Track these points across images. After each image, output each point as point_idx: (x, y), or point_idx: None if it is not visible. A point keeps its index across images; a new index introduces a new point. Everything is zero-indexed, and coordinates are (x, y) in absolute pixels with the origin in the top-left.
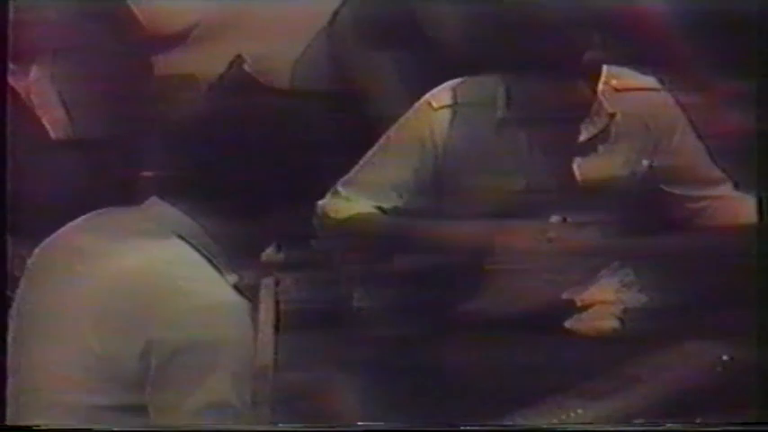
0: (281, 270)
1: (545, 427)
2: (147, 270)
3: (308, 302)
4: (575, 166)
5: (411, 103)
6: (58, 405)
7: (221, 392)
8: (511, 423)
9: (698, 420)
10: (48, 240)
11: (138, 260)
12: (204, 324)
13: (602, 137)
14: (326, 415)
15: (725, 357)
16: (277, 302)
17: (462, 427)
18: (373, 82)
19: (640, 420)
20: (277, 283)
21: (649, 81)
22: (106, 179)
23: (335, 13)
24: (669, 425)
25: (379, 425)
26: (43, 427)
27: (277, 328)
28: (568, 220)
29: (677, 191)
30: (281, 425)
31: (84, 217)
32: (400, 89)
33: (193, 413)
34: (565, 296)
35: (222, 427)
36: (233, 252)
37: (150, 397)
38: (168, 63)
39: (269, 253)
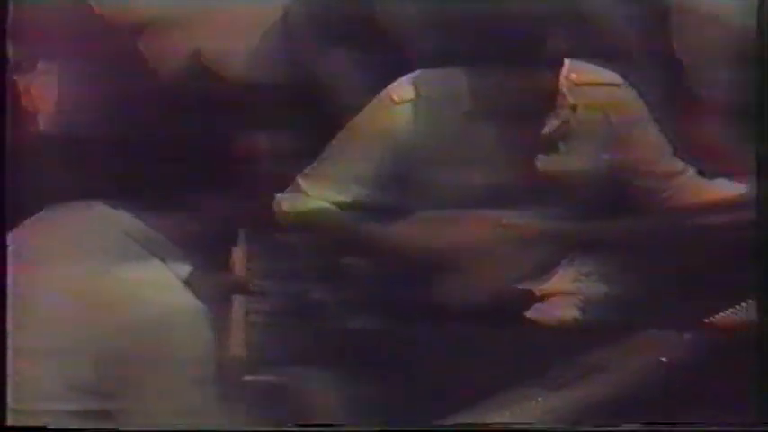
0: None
1: (544, 427)
2: (95, 273)
3: (269, 296)
4: (536, 159)
5: (367, 98)
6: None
7: (187, 399)
8: (509, 422)
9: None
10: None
11: (87, 263)
12: (159, 330)
13: (563, 130)
14: (296, 408)
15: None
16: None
17: (461, 427)
18: (328, 76)
19: (639, 422)
20: (245, 287)
21: (611, 75)
22: (69, 176)
23: (289, 8)
24: (669, 425)
25: (379, 424)
26: (43, 428)
27: (246, 330)
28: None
29: (638, 183)
30: (283, 426)
31: (35, 216)
32: (356, 83)
33: (161, 418)
34: (524, 286)
35: (223, 427)
36: (188, 248)
37: (112, 404)
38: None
39: (238, 253)
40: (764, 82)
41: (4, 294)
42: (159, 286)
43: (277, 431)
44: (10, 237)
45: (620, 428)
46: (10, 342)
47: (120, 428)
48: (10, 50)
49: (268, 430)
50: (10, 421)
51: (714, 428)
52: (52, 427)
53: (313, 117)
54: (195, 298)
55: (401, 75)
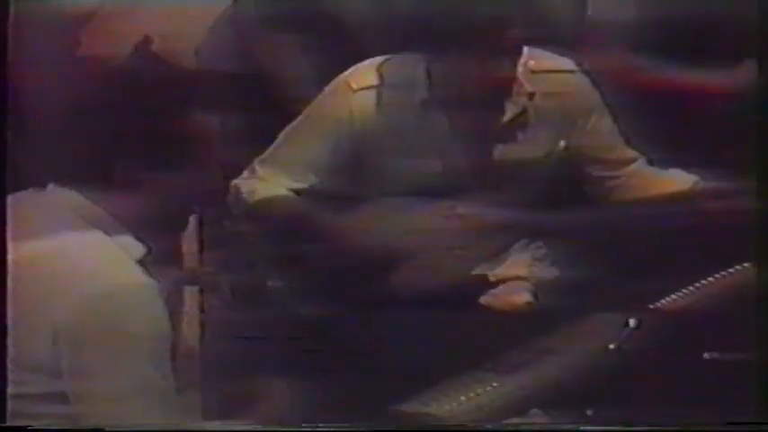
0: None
1: (542, 428)
2: (51, 255)
3: (224, 284)
4: (492, 147)
5: (318, 85)
6: None
7: (144, 376)
8: (507, 422)
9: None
10: None
11: (42, 246)
12: (112, 307)
13: (520, 118)
14: (250, 395)
15: (611, 346)
16: (201, 288)
17: (461, 427)
18: (278, 63)
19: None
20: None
21: (566, 62)
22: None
23: None
24: (667, 425)
25: (377, 425)
26: (43, 428)
27: (202, 310)
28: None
29: (592, 170)
30: (280, 425)
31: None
32: (307, 71)
33: (118, 399)
34: (477, 272)
35: (225, 427)
36: (142, 232)
37: (68, 385)
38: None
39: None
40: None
41: (4, 294)
42: (112, 264)
43: (277, 431)
44: None
45: (620, 428)
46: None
47: (119, 428)
48: None
49: (268, 430)
50: None
51: (714, 428)
52: (52, 428)
53: (264, 104)
54: (149, 277)
55: (354, 62)
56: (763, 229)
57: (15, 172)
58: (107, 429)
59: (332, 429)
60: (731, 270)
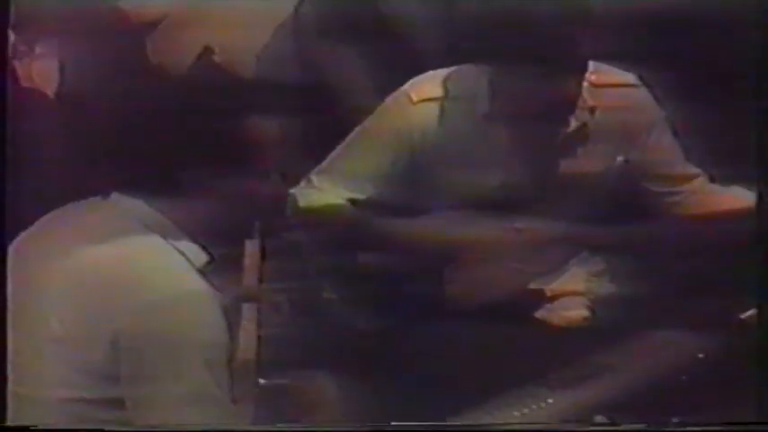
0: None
1: (539, 428)
2: (114, 262)
3: (280, 293)
4: (552, 161)
5: (379, 95)
6: (38, 401)
7: (201, 383)
8: (504, 422)
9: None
10: (23, 234)
11: (106, 253)
12: (171, 314)
13: (581, 132)
14: (305, 406)
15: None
16: (259, 299)
17: (459, 426)
18: (339, 73)
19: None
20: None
21: (628, 77)
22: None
23: (298, 5)
24: (666, 425)
25: (377, 425)
26: (43, 428)
27: (260, 325)
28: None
29: (651, 186)
30: (279, 425)
31: (52, 212)
32: (367, 80)
33: (174, 405)
34: (534, 286)
35: (224, 426)
36: (204, 242)
37: (126, 390)
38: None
39: (252, 252)
40: None
41: (4, 294)
42: (173, 271)
43: (277, 431)
44: (21, 235)
45: (619, 429)
46: (10, 342)
47: (121, 428)
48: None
49: (268, 430)
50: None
51: (714, 429)
52: (52, 428)
53: (324, 114)
54: (209, 285)
55: (415, 73)
56: None
57: (76, 181)
58: (108, 429)
59: (332, 429)
60: None
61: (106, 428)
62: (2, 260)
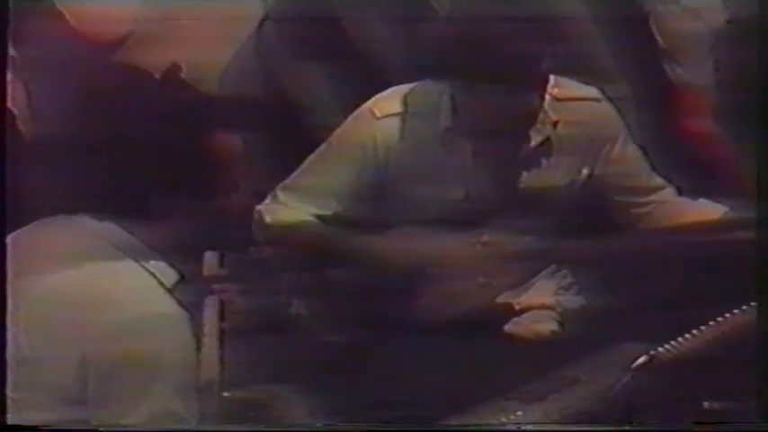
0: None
1: (539, 428)
2: (83, 284)
3: (248, 311)
4: (516, 175)
5: (342, 112)
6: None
7: (166, 403)
8: (503, 422)
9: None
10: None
11: (75, 274)
12: (141, 336)
13: (544, 146)
14: (272, 422)
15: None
16: (221, 316)
17: (458, 426)
18: (302, 91)
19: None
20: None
21: (590, 91)
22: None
23: (261, 23)
24: (664, 425)
25: (377, 425)
26: (43, 428)
27: (221, 341)
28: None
29: (617, 198)
30: (277, 425)
31: (18, 231)
32: (330, 98)
33: (140, 426)
34: (502, 300)
35: (228, 427)
36: (171, 259)
37: (93, 412)
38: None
39: (211, 263)
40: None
41: (3, 294)
42: (144, 294)
43: (277, 431)
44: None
45: (620, 428)
46: (10, 343)
47: (116, 428)
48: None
49: (268, 430)
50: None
51: (714, 429)
52: (52, 428)
53: (289, 131)
54: (180, 307)
55: (378, 91)
56: None
57: (45, 202)
58: (104, 429)
59: (332, 429)
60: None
61: (103, 429)
62: (0, 260)
